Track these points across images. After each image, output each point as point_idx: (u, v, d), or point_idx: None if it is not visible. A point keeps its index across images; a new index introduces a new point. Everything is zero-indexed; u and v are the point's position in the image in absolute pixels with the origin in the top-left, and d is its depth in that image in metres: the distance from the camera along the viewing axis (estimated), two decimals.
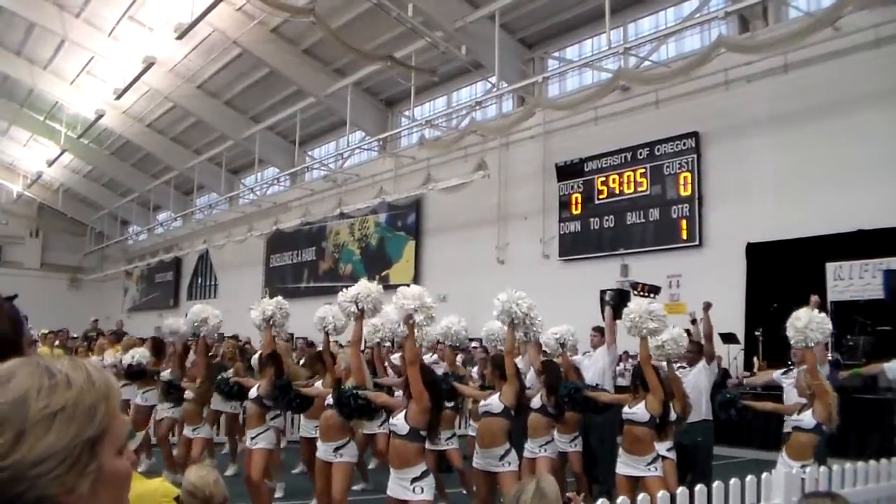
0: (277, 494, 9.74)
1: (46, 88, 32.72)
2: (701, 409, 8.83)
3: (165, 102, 31.75)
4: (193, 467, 3.73)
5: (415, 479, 5.84)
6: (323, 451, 7.40)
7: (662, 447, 7.50)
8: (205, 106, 31.22)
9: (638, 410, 7.11)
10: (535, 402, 8.21)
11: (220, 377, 9.71)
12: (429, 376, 6.28)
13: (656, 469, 6.96)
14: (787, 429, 7.84)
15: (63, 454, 1.10)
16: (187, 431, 9.91)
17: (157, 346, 12.08)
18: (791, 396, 8.28)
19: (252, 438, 8.25)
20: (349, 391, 7.03)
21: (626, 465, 7.14)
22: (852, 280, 15.13)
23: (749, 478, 5.28)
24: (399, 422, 6.02)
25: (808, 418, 6.96)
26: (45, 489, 1.08)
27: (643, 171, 19.68)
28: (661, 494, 4.87)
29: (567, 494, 3.63)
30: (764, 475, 5.39)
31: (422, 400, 5.96)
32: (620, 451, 7.28)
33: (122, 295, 47.96)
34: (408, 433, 5.94)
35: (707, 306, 9.78)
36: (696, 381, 8.88)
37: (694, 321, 10.02)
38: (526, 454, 8.03)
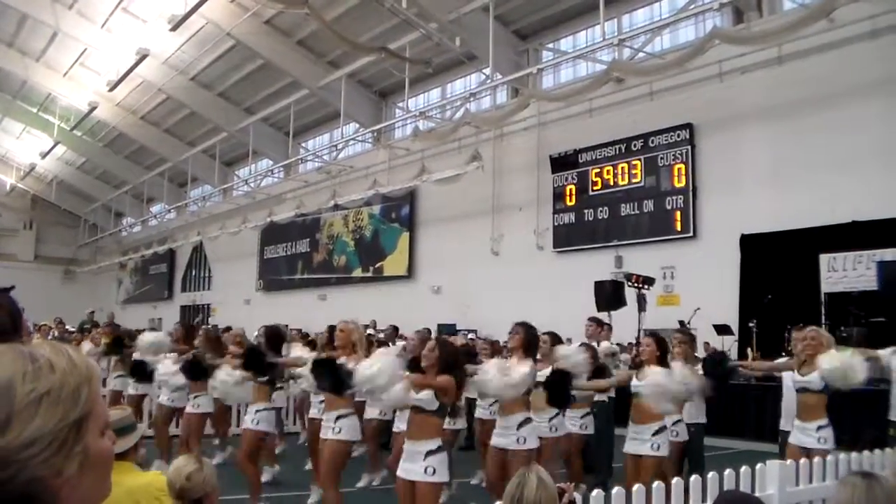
0: (264, 478, 9.69)
1: (39, 80, 32.60)
2: (692, 412, 8.85)
3: (159, 94, 31.68)
4: (179, 458, 3.71)
5: (430, 453, 5.64)
6: (325, 424, 7.20)
7: (669, 420, 7.50)
8: (198, 98, 31.16)
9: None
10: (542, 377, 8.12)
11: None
12: (451, 355, 6.07)
13: (659, 447, 6.92)
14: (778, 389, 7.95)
15: (50, 437, 1.11)
16: (189, 408, 9.74)
17: (188, 331, 11.62)
18: (788, 384, 8.27)
19: (257, 412, 8.08)
20: (328, 361, 6.75)
21: (632, 441, 7.12)
22: (846, 271, 15.17)
23: (744, 468, 5.30)
24: (428, 396, 5.80)
25: (815, 379, 6.97)
26: (35, 472, 1.10)
27: (637, 162, 19.70)
28: (657, 485, 4.88)
29: (560, 485, 3.62)
30: (759, 465, 5.40)
31: (450, 393, 5.85)
32: (629, 425, 7.26)
33: (116, 287, 47.93)
34: (437, 409, 5.79)
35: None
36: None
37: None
38: None
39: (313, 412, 9.46)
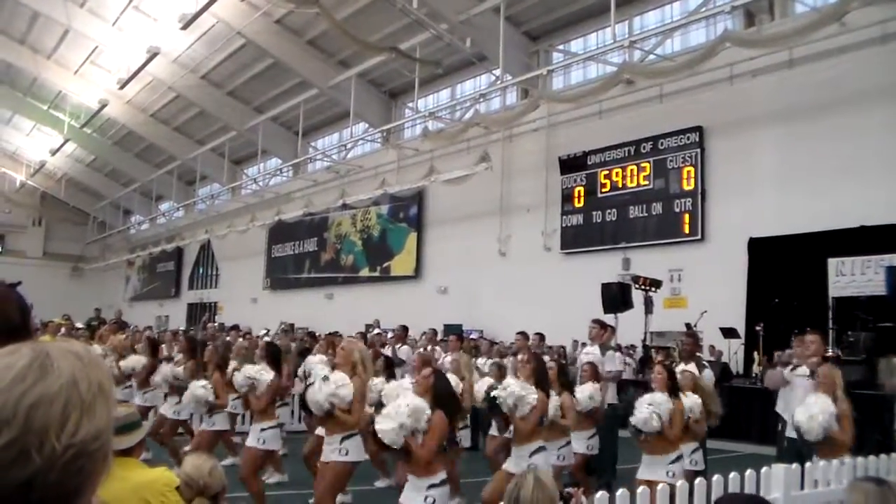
0: (272, 480, 9.64)
1: (50, 78, 32.72)
2: None
3: (169, 92, 31.77)
4: (191, 456, 3.71)
5: (432, 486, 5.58)
6: (329, 446, 6.89)
7: (687, 449, 7.49)
8: (208, 96, 31.23)
9: None
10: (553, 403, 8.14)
11: None
12: (445, 389, 6.02)
13: (674, 475, 6.76)
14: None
15: (106, 429, 1.16)
16: (206, 424, 9.40)
17: (154, 346, 11.93)
18: (798, 393, 8.20)
19: (262, 430, 7.89)
20: None
21: (647, 469, 7.04)
22: (854, 276, 15.12)
23: (749, 472, 5.29)
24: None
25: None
26: (96, 463, 1.14)
27: (646, 164, 19.68)
28: (661, 488, 4.88)
29: (568, 490, 3.63)
30: (763, 469, 5.39)
31: (445, 435, 5.80)
32: (643, 455, 7.17)
33: (123, 284, 48.06)
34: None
35: None
36: None
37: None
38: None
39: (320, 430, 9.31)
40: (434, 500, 5.56)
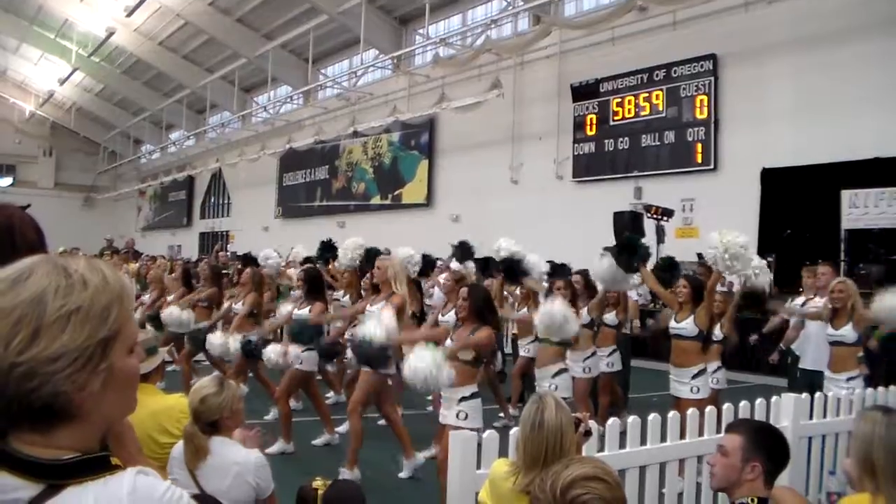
0: (293, 405, 9.72)
1: (55, 6, 32.36)
2: None
3: (177, 20, 31.40)
4: (202, 379, 3.68)
5: (463, 399, 5.70)
6: None
7: (710, 367, 7.64)
8: (217, 23, 30.86)
9: (687, 325, 7.20)
10: (584, 316, 8.27)
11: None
12: (483, 301, 6.00)
13: (698, 390, 7.02)
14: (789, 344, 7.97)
15: (76, 353, 1.15)
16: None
17: (187, 277, 11.76)
18: (810, 325, 8.25)
19: (303, 351, 8.06)
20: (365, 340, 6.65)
21: (673, 382, 7.26)
22: (867, 208, 15.00)
23: (759, 400, 5.32)
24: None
25: (849, 332, 6.96)
26: (59, 386, 1.14)
27: (659, 93, 19.47)
28: (672, 415, 4.91)
29: (576, 415, 3.65)
30: (773, 398, 5.43)
31: (489, 345, 5.92)
32: (670, 368, 7.36)
33: (135, 214, 48.18)
34: (472, 359, 5.78)
35: None
36: None
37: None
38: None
39: None
40: (466, 415, 5.64)
